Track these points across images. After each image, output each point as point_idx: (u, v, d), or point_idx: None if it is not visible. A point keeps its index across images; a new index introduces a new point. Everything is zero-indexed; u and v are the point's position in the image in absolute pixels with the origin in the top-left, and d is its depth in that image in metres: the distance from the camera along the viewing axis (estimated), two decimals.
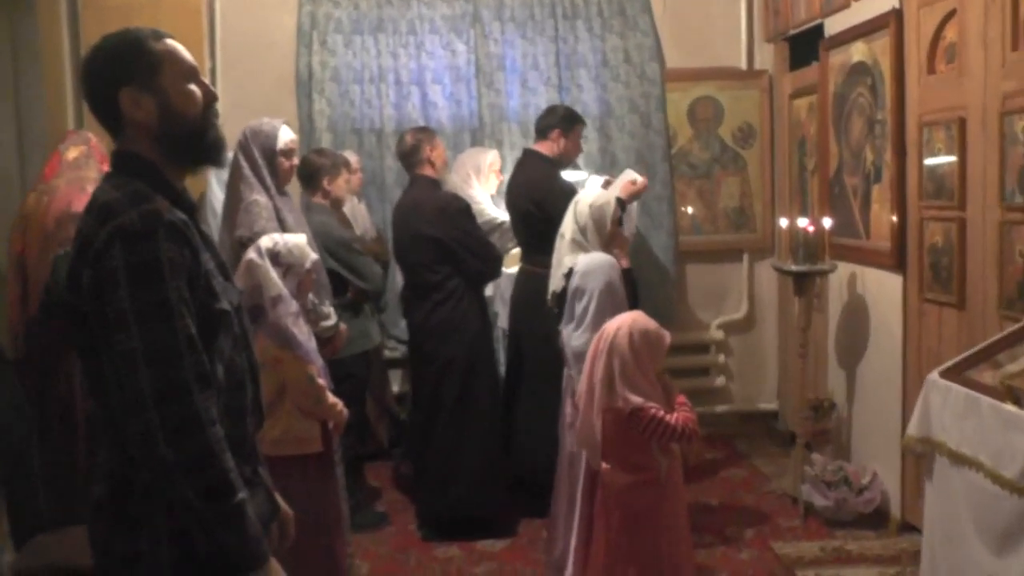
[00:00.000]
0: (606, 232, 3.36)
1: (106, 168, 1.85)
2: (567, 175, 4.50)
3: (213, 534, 1.60)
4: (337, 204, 4.16)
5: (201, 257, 1.68)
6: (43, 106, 3.87)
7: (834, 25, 4.49)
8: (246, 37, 5.07)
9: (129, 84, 1.69)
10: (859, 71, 4.21)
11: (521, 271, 4.39)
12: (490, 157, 4.74)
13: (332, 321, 3.33)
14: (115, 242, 1.58)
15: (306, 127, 5.03)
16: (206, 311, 1.67)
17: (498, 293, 4.70)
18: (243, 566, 1.63)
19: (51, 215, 3.37)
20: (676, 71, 5.37)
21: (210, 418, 1.60)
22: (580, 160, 4.88)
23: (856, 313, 4.35)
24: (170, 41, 1.76)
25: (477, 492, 4.02)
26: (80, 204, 3.43)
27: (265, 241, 2.94)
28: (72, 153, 3.56)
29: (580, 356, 3.09)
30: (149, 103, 1.70)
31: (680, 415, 2.81)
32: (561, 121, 4.36)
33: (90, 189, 3.47)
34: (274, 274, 2.87)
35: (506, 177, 4.63)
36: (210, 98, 1.78)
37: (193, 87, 1.75)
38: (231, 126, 2.61)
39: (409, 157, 4.16)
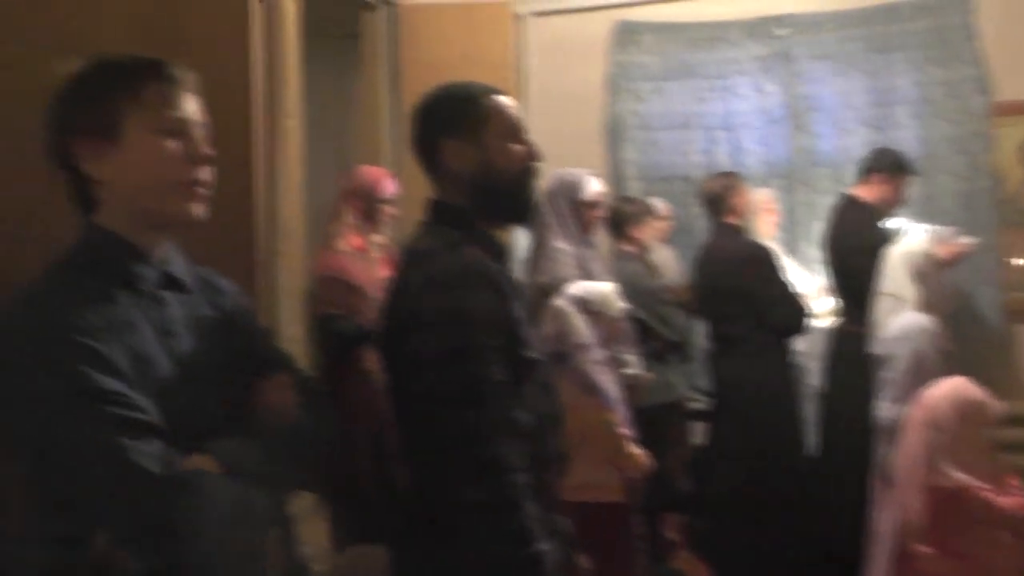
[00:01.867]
0: (925, 291, 3.13)
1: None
2: (888, 223, 4.25)
3: None
4: (644, 252, 4.19)
5: (512, 305, 1.74)
6: (366, 161, 4.19)
7: None
8: (555, 89, 5.26)
9: (453, 136, 1.77)
10: None
11: (836, 327, 4.18)
12: (759, 194, 4.56)
13: (635, 370, 3.35)
14: (428, 288, 1.67)
15: (615, 176, 5.08)
16: (514, 359, 1.71)
17: (810, 348, 4.51)
18: None
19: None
20: (1007, 104, 4.81)
21: (514, 464, 1.64)
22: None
23: None
24: (501, 98, 1.82)
25: (777, 559, 3.83)
26: (322, 264, 3.72)
27: (574, 288, 3.01)
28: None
29: (887, 428, 2.90)
30: (470, 156, 1.77)
31: (1013, 498, 2.55)
32: (890, 166, 4.10)
33: (335, 244, 3.72)
34: (581, 321, 2.94)
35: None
36: (531, 158, 1.82)
37: (516, 146, 1.80)
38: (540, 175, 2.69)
39: (713, 204, 4.11)
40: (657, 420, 3.98)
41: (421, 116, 1.83)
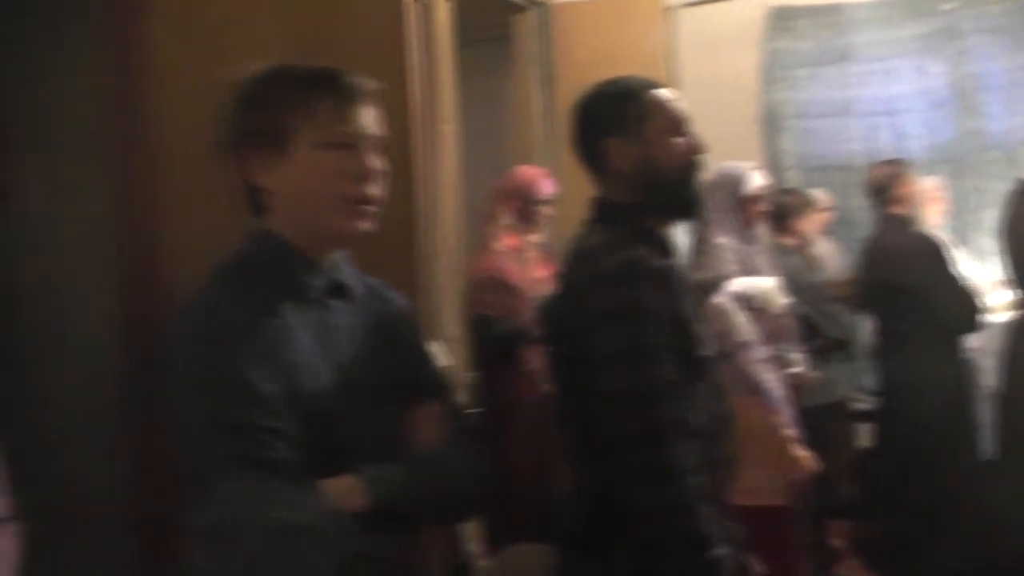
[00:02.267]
0: None
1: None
2: None
3: None
4: (806, 245, 4.07)
5: (682, 303, 1.70)
6: (520, 161, 4.22)
7: None
8: (708, 81, 5.14)
9: (615, 133, 1.74)
10: None
11: (1014, 322, 3.93)
12: (926, 182, 4.30)
13: (798, 368, 3.25)
14: (597, 288, 1.65)
15: (771, 166, 4.94)
16: (685, 358, 1.67)
17: (984, 344, 4.27)
18: None
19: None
20: None
21: (688, 466, 1.60)
22: None
23: None
24: (661, 92, 1.79)
25: (949, 570, 3.64)
26: (479, 265, 3.72)
27: (736, 285, 2.94)
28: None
29: None
30: (632, 153, 1.74)
31: None
32: None
33: (492, 244, 3.73)
34: (743, 319, 2.86)
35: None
36: (695, 151, 1.78)
37: (679, 140, 1.76)
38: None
39: (879, 194, 3.95)
40: (821, 421, 3.84)
41: (581, 114, 1.81)
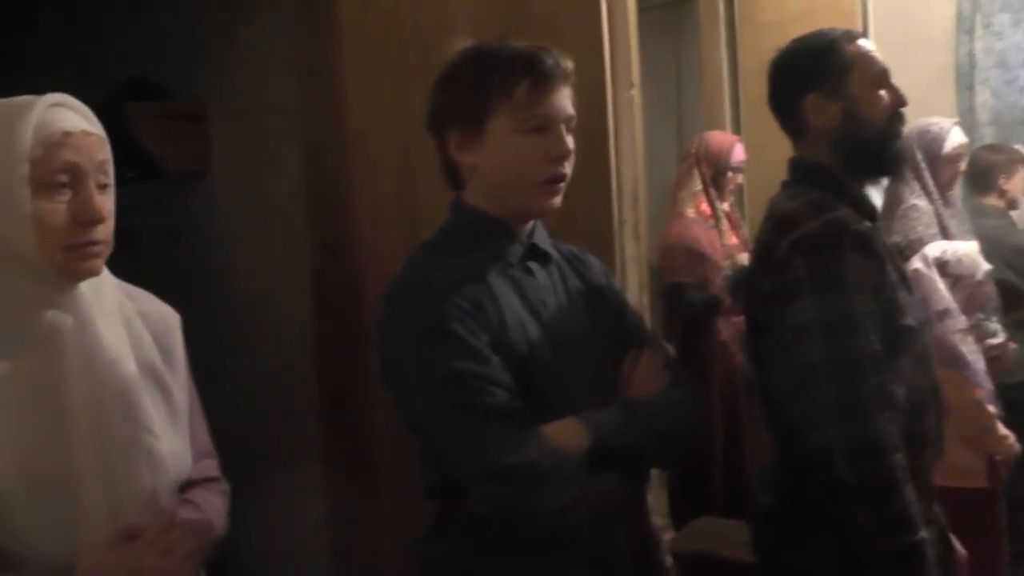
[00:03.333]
0: None
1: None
2: None
3: (886, 568, 1.53)
4: (1013, 206, 3.82)
5: (886, 268, 1.63)
6: (702, 126, 4.16)
7: None
8: (901, 32, 4.89)
9: (815, 89, 1.69)
10: None
11: None
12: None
13: (999, 339, 3.07)
14: (798, 253, 1.60)
15: (966, 122, 4.65)
16: (890, 326, 1.61)
17: None
18: None
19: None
20: None
21: (893, 443, 1.54)
22: None
23: None
24: (863, 43, 1.72)
25: None
26: (670, 232, 3.65)
27: (932, 249, 2.80)
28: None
29: None
30: (834, 109, 1.68)
31: None
32: None
33: (684, 211, 3.68)
34: (942, 285, 2.73)
35: None
36: (899, 104, 1.71)
37: (882, 93, 1.69)
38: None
39: None
40: (1021, 398, 3.64)
41: (779, 71, 1.76)
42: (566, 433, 1.42)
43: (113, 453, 1.37)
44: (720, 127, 4.12)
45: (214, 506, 1.54)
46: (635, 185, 2.22)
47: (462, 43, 1.57)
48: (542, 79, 1.47)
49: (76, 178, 1.33)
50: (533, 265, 1.57)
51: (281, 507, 2.71)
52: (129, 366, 1.42)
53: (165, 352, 1.51)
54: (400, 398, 1.53)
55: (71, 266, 1.34)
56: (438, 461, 1.51)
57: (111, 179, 1.39)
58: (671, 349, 2.03)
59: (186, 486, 1.51)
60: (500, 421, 1.40)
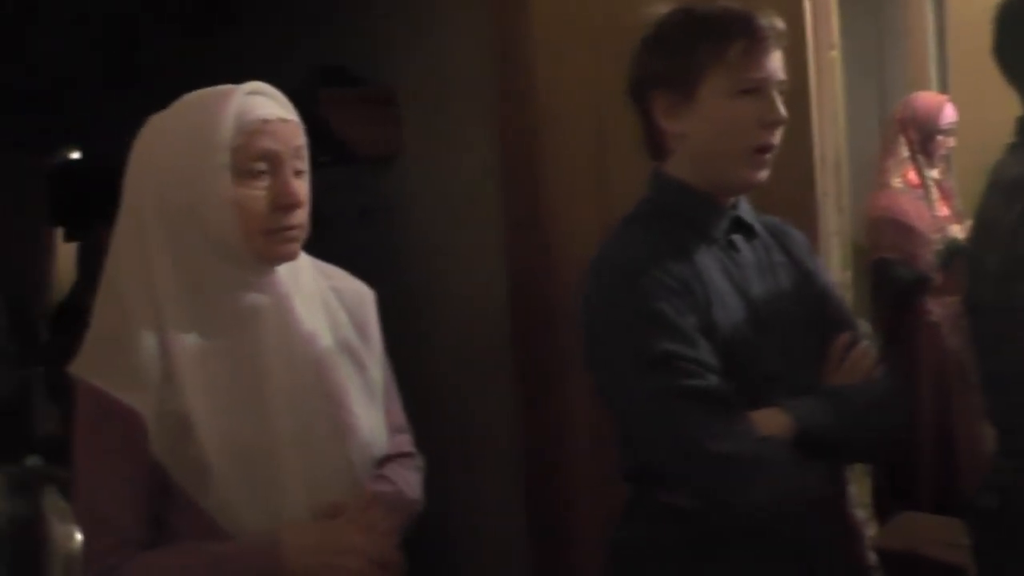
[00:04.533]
0: None
1: None
2: None
3: None
4: None
5: None
6: (906, 87, 3.92)
7: None
8: None
9: None
10: None
11: None
12: None
13: None
14: None
15: None
16: None
17: None
18: None
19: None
20: None
21: None
22: None
23: None
24: None
25: None
26: (876, 204, 3.43)
27: None
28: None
29: None
30: None
31: None
32: None
33: (890, 181, 3.44)
34: None
35: None
36: None
37: None
38: None
39: None
40: None
41: (1006, 17, 1.58)
42: (772, 422, 1.37)
43: (311, 430, 1.40)
44: (926, 88, 3.86)
45: (409, 482, 1.55)
46: (837, 154, 2.12)
47: (661, 7, 1.50)
48: (757, 40, 1.41)
49: (274, 164, 1.35)
50: (738, 240, 1.52)
51: (475, 485, 2.75)
52: (326, 343, 1.45)
53: (360, 328, 1.53)
54: (600, 378, 1.50)
55: (270, 250, 1.37)
56: (639, 445, 1.48)
57: (306, 165, 1.41)
58: (876, 331, 1.92)
59: (381, 461, 1.52)
60: (709, 407, 1.35)
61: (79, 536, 1.38)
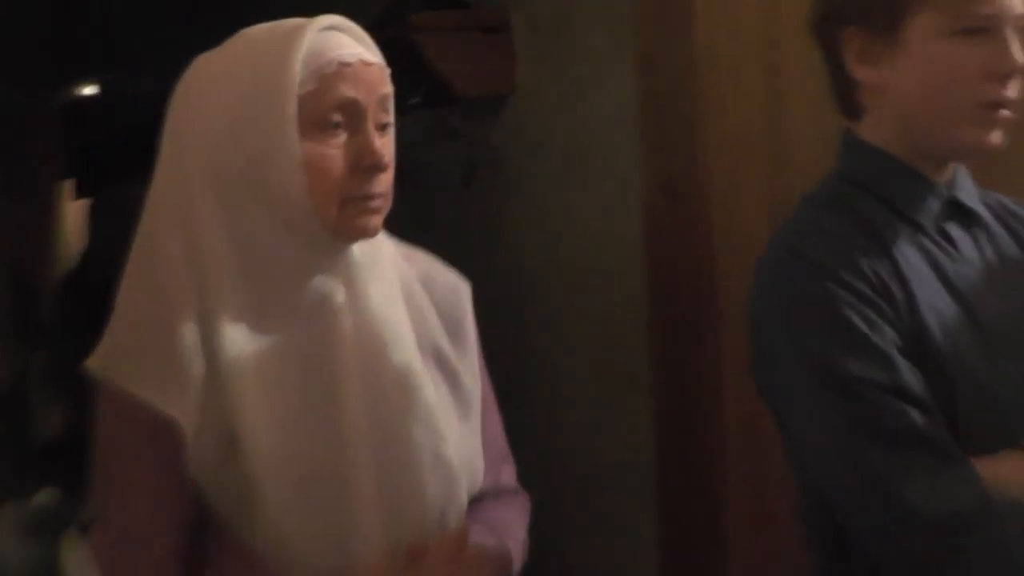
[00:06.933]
0: None
1: None
2: None
3: None
4: None
5: None
6: None
7: None
8: None
9: None
10: None
11: None
12: None
13: None
14: None
15: None
16: None
17: None
18: None
19: None
20: None
21: None
22: None
23: None
24: None
25: None
26: None
27: None
28: None
29: None
30: None
31: None
32: None
33: None
34: None
35: None
36: None
37: None
38: None
39: None
40: None
41: None
42: (1011, 471, 1.31)
43: (390, 454, 1.35)
44: None
45: (511, 527, 1.51)
46: None
47: None
48: None
49: (353, 117, 1.31)
50: (953, 229, 1.44)
51: (605, 521, 2.74)
52: (410, 348, 1.40)
53: (453, 330, 1.49)
54: (771, 396, 1.45)
55: (346, 224, 1.32)
56: (821, 486, 1.41)
57: (392, 116, 1.35)
58: None
59: (477, 498, 1.48)
60: (915, 452, 1.28)
61: None
